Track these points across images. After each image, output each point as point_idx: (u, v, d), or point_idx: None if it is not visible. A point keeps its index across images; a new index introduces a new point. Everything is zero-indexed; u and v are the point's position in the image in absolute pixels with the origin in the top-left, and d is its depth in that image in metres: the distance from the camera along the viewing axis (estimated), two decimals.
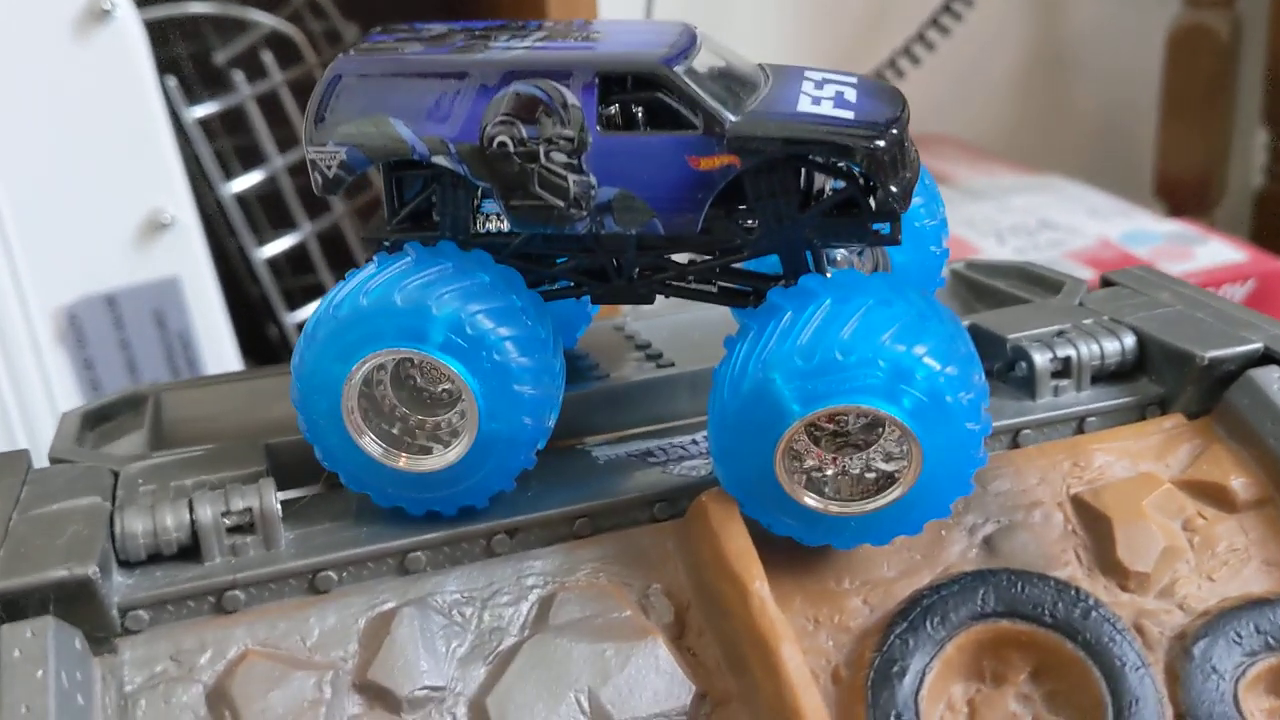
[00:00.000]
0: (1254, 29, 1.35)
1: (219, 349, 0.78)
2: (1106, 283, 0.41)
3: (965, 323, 0.38)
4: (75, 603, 0.27)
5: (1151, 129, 1.35)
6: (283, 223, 0.85)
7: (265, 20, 0.81)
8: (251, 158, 0.82)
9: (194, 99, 0.78)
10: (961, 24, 1.22)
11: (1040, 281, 0.42)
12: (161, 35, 0.80)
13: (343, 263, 0.87)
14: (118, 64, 0.71)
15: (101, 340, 0.75)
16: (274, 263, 0.81)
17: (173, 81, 0.75)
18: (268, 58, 0.80)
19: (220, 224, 0.81)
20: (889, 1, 1.30)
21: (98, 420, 0.36)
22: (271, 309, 0.82)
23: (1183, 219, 1.19)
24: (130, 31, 0.71)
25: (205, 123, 0.77)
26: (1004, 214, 1.15)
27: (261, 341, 0.87)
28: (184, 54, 0.83)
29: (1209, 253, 1.04)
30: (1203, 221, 1.30)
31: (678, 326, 0.40)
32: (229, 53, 0.79)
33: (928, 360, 0.27)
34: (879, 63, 1.23)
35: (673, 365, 0.37)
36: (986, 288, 0.43)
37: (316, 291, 0.85)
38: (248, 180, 0.78)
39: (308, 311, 0.82)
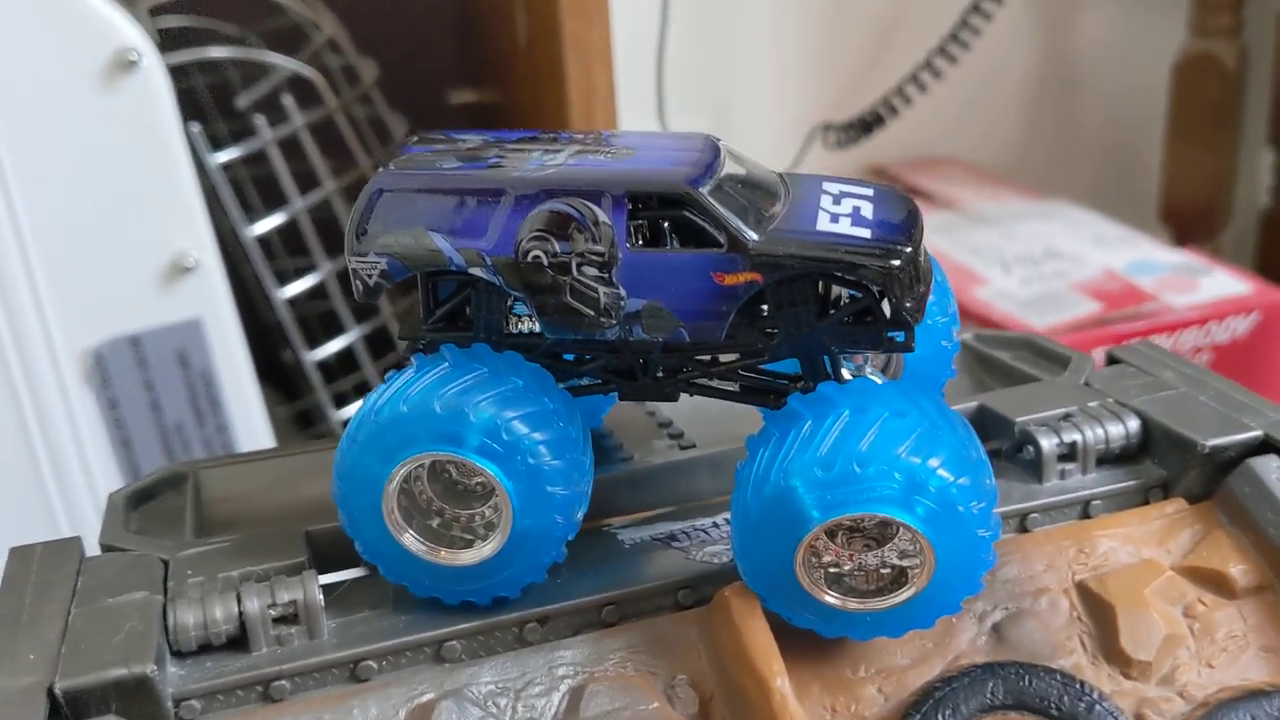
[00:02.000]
0: (1260, 56, 1.36)
1: (240, 387, 0.80)
2: (1113, 359, 0.42)
3: (974, 403, 0.39)
4: (134, 698, 0.28)
5: (1158, 153, 1.36)
6: (299, 251, 0.86)
7: (286, 64, 0.82)
8: (271, 194, 0.83)
9: (217, 142, 0.80)
10: (969, 49, 1.23)
11: (1048, 355, 0.44)
12: (185, 81, 0.81)
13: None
14: (143, 112, 0.73)
15: (126, 380, 0.77)
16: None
17: (196, 127, 0.77)
18: (288, 100, 0.81)
19: (240, 259, 0.82)
20: (896, 31, 1.31)
21: (141, 500, 0.38)
22: (289, 342, 0.84)
23: (1188, 245, 1.20)
24: (156, 80, 0.73)
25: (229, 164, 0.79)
26: (1010, 242, 1.16)
27: (278, 369, 0.89)
28: (207, 99, 0.85)
29: (1214, 284, 1.05)
30: (1208, 246, 1.31)
31: (697, 404, 0.41)
32: (251, 96, 0.81)
33: (941, 472, 0.28)
34: (887, 90, 1.25)
35: (694, 446, 0.38)
36: (995, 361, 0.44)
37: (333, 324, 0.87)
38: (269, 222, 0.80)
39: (326, 349, 0.84)
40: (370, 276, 0.31)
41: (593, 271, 0.30)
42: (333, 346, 0.83)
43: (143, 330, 0.76)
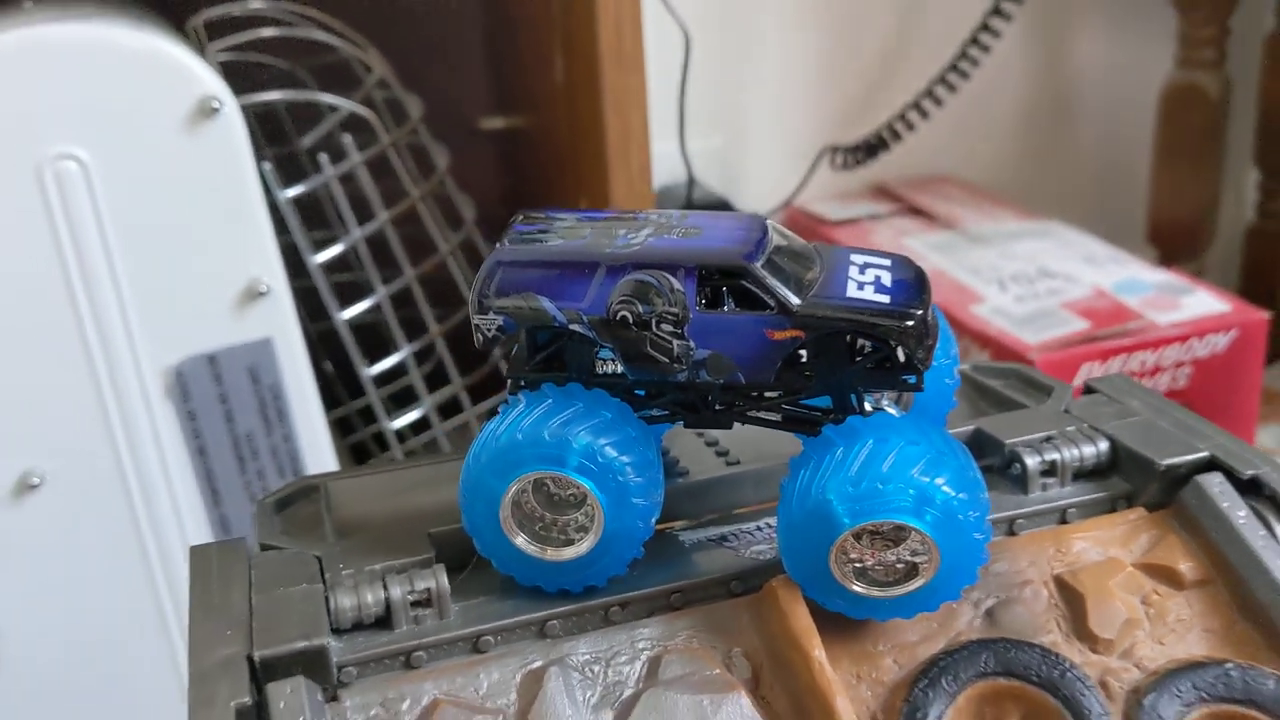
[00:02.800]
0: (1243, 86, 1.43)
1: (304, 400, 0.88)
2: (1089, 389, 0.50)
3: (971, 426, 0.47)
4: (313, 664, 0.36)
5: (1145, 177, 1.44)
6: (344, 269, 0.94)
7: (344, 104, 0.90)
8: (323, 220, 0.91)
9: (285, 177, 0.87)
10: (969, 78, 1.30)
11: (1034, 384, 0.51)
12: (258, 123, 0.89)
13: (412, 314, 0.96)
14: (223, 153, 0.81)
15: (203, 395, 0.85)
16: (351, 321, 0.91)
17: (267, 165, 0.85)
18: (346, 139, 0.89)
19: (306, 288, 0.90)
20: (899, 60, 1.38)
21: (281, 507, 0.46)
22: (350, 363, 0.91)
23: (1174, 264, 1.28)
24: (234, 124, 0.81)
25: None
26: (1006, 261, 1.23)
27: (346, 380, 0.96)
28: (258, 132, 0.93)
29: (1195, 303, 1.13)
30: (1193, 265, 1.39)
31: (739, 429, 0.49)
32: (313, 137, 0.88)
33: (945, 489, 0.36)
34: (891, 115, 1.32)
35: (739, 463, 0.46)
36: (988, 389, 0.52)
37: (388, 345, 0.94)
38: (331, 252, 0.87)
39: (381, 365, 0.92)
40: (489, 331, 0.39)
41: (669, 328, 0.38)
42: (388, 362, 0.90)
43: (219, 349, 0.84)
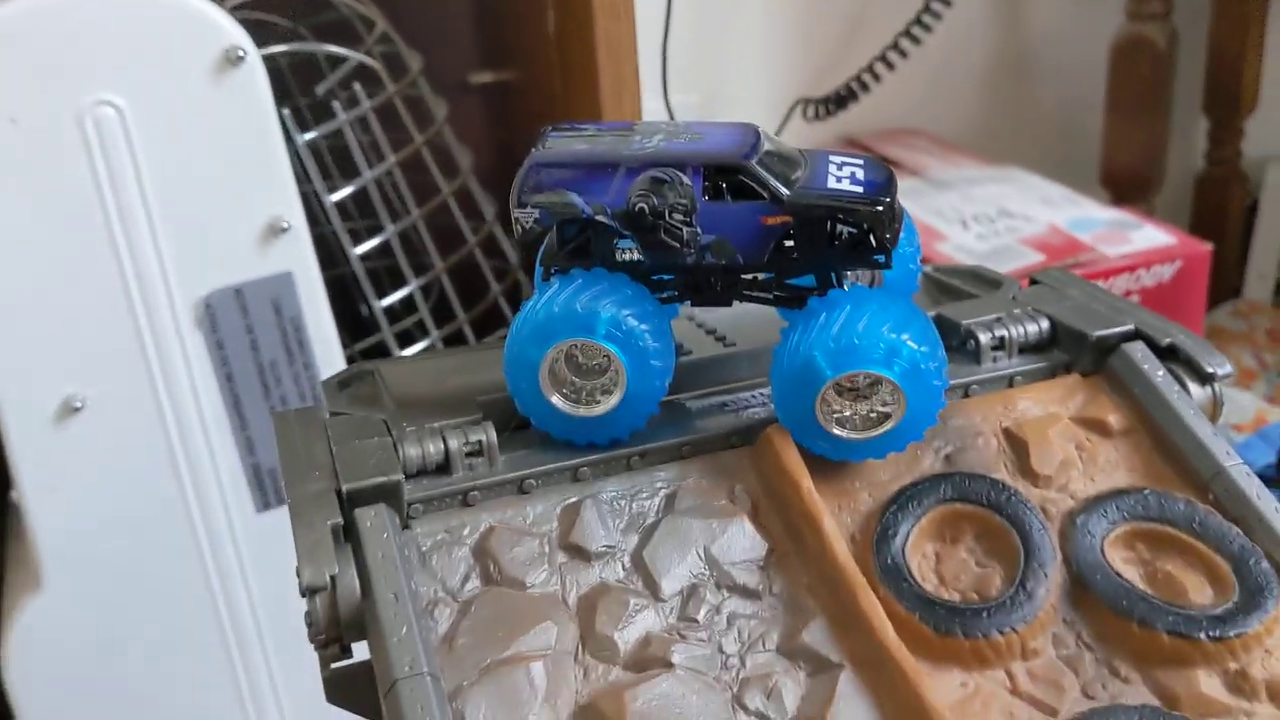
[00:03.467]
0: (1190, 36, 1.51)
1: (322, 330, 0.95)
2: (1033, 281, 0.58)
3: (933, 313, 0.55)
4: (390, 497, 0.44)
5: (1099, 124, 1.52)
6: (368, 214, 1.01)
7: (352, 55, 0.97)
8: (346, 167, 0.98)
9: (301, 123, 0.94)
10: (932, 32, 1.37)
11: (986, 280, 0.59)
12: (275, 72, 0.95)
13: (418, 257, 1.03)
14: (247, 99, 0.87)
15: (231, 325, 0.92)
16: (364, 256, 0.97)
17: (286, 111, 0.91)
18: (357, 87, 0.96)
19: (324, 218, 0.97)
20: (867, 17, 1.45)
21: (342, 387, 0.53)
22: (363, 293, 0.98)
23: (1124, 206, 1.36)
24: (257, 72, 0.87)
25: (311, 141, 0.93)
26: (968, 203, 1.31)
27: (355, 320, 1.03)
28: (292, 87, 0.99)
29: (1143, 237, 1.21)
30: (1143, 207, 1.47)
31: (730, 316, 0.56)
32: (328, 85, 0.95)
33: (910, 343, 0.44)
34: (859, 68, 1.39)
35: (735, 345, 0.54)
36: (948, 285, 0.60)
37: (398, 277, 1.01)
38: (345, 191, 0.94)
39: (391, 297, 0.99)
40: (527, 224, 0.47)
41: (680, 217, 0.45)
42: (397, 295, 0.97)
43: (244, 282, 0.91)
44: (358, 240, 0.96)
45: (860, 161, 0.48)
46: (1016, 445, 0.49)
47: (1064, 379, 0.52)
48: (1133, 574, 0.45)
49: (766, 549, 0.45)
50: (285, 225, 0.89)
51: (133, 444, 0.90)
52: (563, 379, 0.47)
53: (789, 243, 0.47)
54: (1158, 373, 0.50)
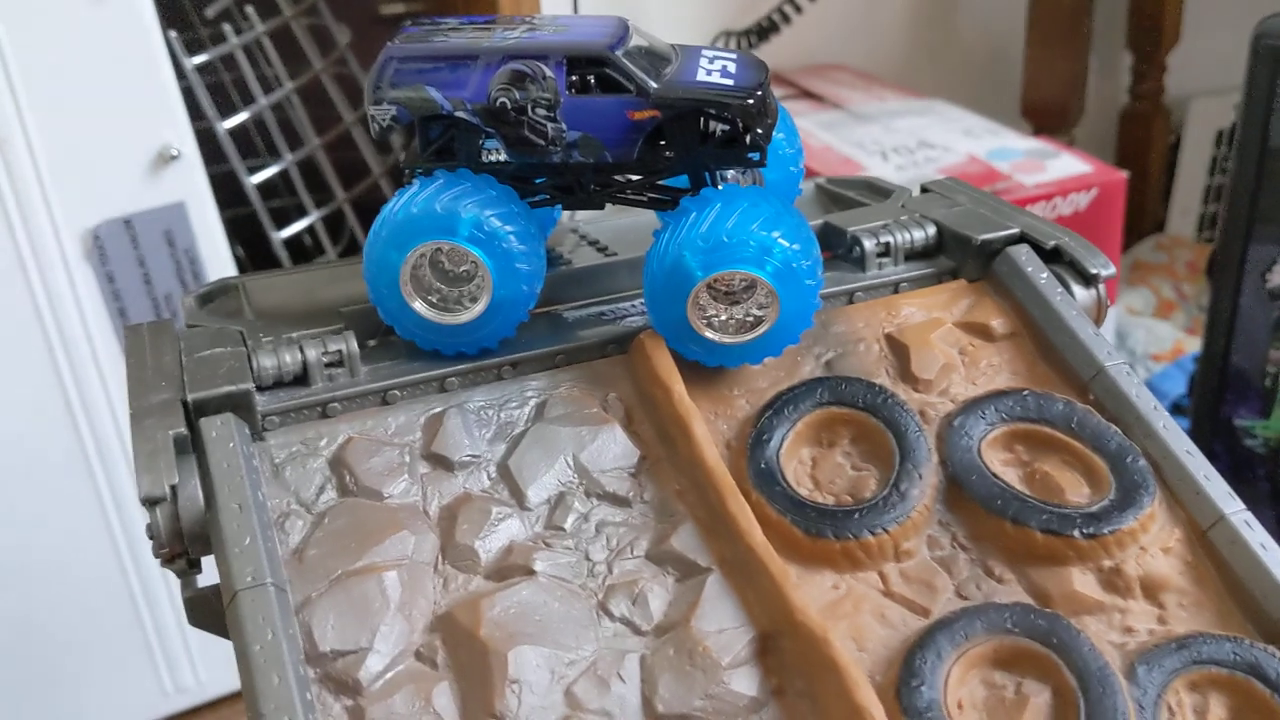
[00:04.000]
0: None
1: (219, 263, 0.92)
2: (924, 189, 0.57)
3: (821, 221, 0.54)
4: (240, 408, 0.42)
5: (1021, 58, 1.51)
6: (269, 150, 0.98)
7: None
8: (241, 94, 0.95)
9: (190, 49, 0.90)
10: None
11: (879, 190, 0.58)
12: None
13: (322, 192, 1.00)
14: (130, 22, 0.84)
15: (121, 258, 0.89)
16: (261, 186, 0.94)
17: (174, 34, 0.88)
18: (250, 11, 0.92)
19: (215, 153, 0.94)
20: None
21: (204, 301, 0.51)
22: (260, 226, 0.96)
23: (1044, 137, 1.36)
24: None
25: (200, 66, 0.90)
26: (889, 135, 1.30)
27: (255, 252, 1.00)
28: (182, 8, 0.95)
29: (1060, 165, 1.21)
30: (1064, 138, 1.47)
31: (615, 228, 0.55)
32: (217, 7, 0.91)
33: (781, 241, 0.43)
34: (781, 0, 1.36)
35: (616, 255, 0.52)
36: (840, 196, 0.59)
37: (299, 211, 0.98)
38: (238, 118, 0.91)
39: (290, 229, 0.96)
40: (384, 120, 0.44)
41: (543, 112, 0.43)
42: (296, 227, 0.95)
43: (134, 213, 0.88)
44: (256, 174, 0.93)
45: (733, 57, 0.46)
46: (898, 350, 0.48)
47: (949, 285, 0.51)
48: (1011, 475, 0.44)
49: (638, 456, 0.44)
50: (175, 153, 0.86)
51: (21, 378, 0.87)
52: (427, 285, 0.45)
53: (662, 142, 0.45)
54: (1041, 275, 0.49)
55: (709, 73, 0.44)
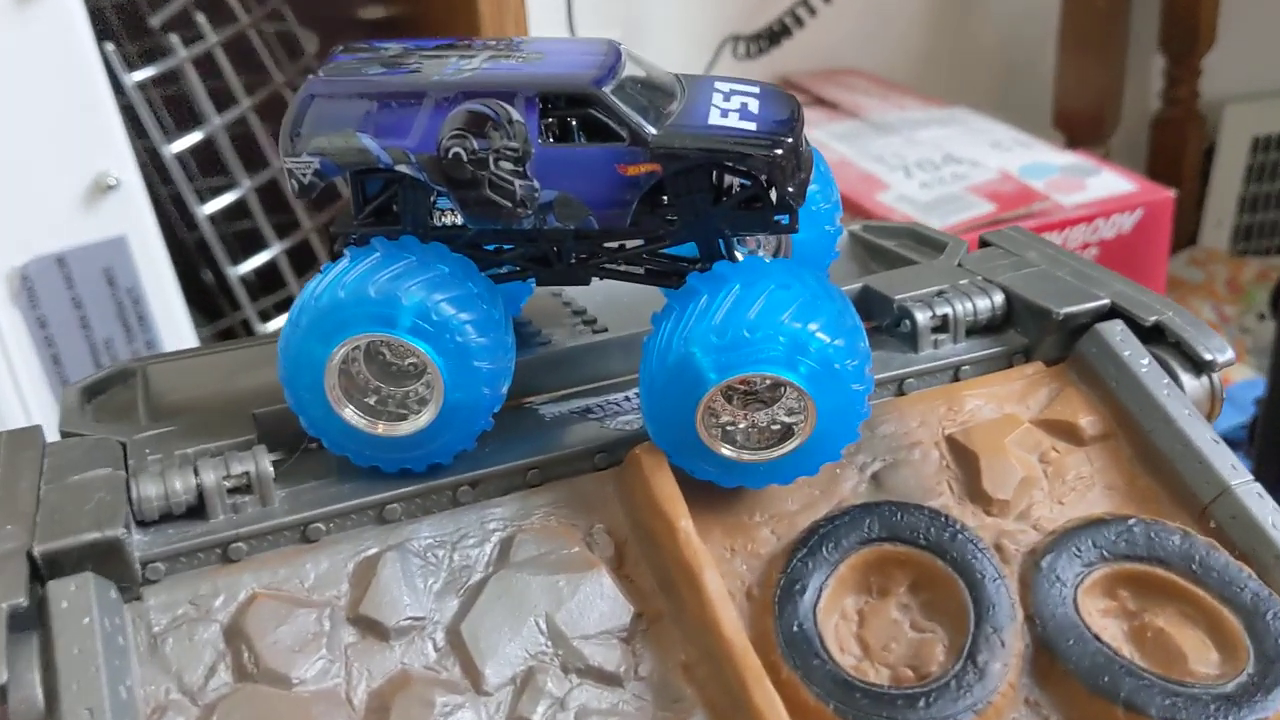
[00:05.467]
0: None
1: (167, 303, 0.82)
2: (984, 243, 0.47)
3: (859, 284, 0.43)
4: (107, 559, 0.32)
5: (1051, 63, 1.41)
6: (217, 172, 0.88)
7: None
8: (189, 113, 0.84)
9: (131, 63, 0.80)
10: None
11: (927, 242, 0.48)
12: (114, 13, 0.82)
13: (282, 209, 0.90)
14: (58, 33, 0.74)
15: (54, 299, 0.78)
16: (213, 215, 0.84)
17: (111, 47, 0.78)
18: (201, 18, 0.82)
19: (157, 178, 0.84)
20: None
21: (93, 393, 0.41)
22: (211, 258, 0.85)
23: (1079, 148, 1.26)
24: (69, 2, 0.73)
25: (143, 83, 0.80)
26: (911, 148, 1.20)
27: (199, 287, 0.90)
28: (116, 19, 0.85)
29: (1101, 184, 1.11)
30: (1098, 149, 1.37)
31: (609, 292, 0.44)
32: (163, 16, 0.81)
33: (820, 335, 0.32)
34: (794, 1, 1.27)
35: (606, 330, 0.42)
36: (879, 248, 0.48)
37: (257, 241, 0.88)
38: (188, 140, 0.81)
39: (250, 263, 0.86)
40: (305, 176, 0.34)
41: (509, 166, 0.33)
42: (256, 261, 0.85)
43: (68, 249, 0.77)
44: (209, 202, 0.83)
45: (755, 89, 0.36)
46: (964, 459, 0.38)
47: (1023, 369, 0.41)
48: (1114, 632, 0.34)
49: (632, 614, 0.34)
50: (113, 181, 0.76)
51: None
52: (365, 386, 0.35)
53: (664, 200, 0.35)
54: (1142, 361, 0.39)
55: (724, 113, 0.34)
